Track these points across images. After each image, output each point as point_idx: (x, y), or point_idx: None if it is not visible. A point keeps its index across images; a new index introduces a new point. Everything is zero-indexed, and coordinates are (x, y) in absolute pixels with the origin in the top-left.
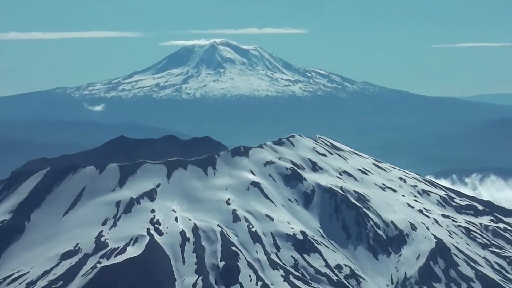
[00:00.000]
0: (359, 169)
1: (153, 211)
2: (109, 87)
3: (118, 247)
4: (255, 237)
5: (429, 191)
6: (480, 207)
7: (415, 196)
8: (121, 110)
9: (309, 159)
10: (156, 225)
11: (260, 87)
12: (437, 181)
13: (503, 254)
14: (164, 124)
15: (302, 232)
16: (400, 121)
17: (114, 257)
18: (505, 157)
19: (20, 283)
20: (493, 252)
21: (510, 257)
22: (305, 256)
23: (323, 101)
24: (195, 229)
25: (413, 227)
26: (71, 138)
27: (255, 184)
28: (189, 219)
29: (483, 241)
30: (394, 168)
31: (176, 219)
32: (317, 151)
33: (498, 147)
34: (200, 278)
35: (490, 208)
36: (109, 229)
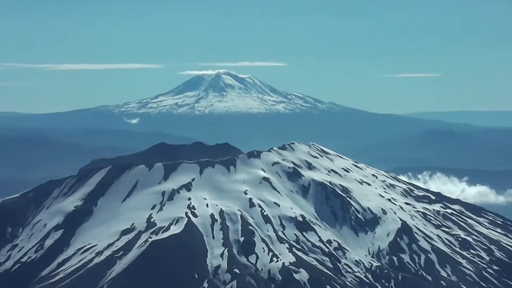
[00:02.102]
0: (342, 168)
1: (189, 199)
2: (140, 105)
3: (164, 226)
4: (266, 219)
5: (395, 185)
6: (432, 197)
7: (384, 188)
8: (150, 123)
9: (305, 160)
10: (192, 210)
11: (253, 106)
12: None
13: (451, 233)
14: (182, 133)
15: (301, 215)
16: (357, 132)
17: (161, 233)
18: (442, 159)
19: (90, 253)
20: (443, 231)
21: (456, 235)
22: (304, 233)
23: (300, 117)
24: (221, 212)
25: (384, 212)
26: (113, 143)
27: (265, 179)
28: (217, 205)
29: (436, 222)
30: (368, 167)
31: (207, 205)
32: (311, 154)
33: (433, 152)
34: (226, 249)
35: (440, 197)
36: (157, 212)
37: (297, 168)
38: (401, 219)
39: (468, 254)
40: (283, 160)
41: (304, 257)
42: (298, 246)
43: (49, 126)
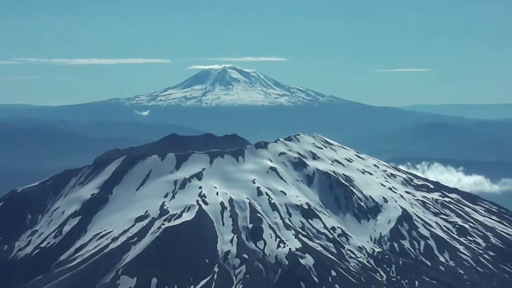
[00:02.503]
0: (345, 158)
1: (200, 187)
2: (150, 98)
3: (176, 213)
4: (274, 207)
5: (395, 174)
6: (431, 186)
7: (385, 178)
8: (159, 115)
9: (310, 151)
10: (203, 198)
11: (257, 99)
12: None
13: (449, 220)
14: (190, 124)
15: (307, 203)
16: (356, 123)
17: (174, 220)
18: (438, 150)
19: (106, 238)
20: (442, 218)
21: (454, 222)
22: (309, 220)
23: (302, 110)
24: (230, 200)
25: (385, 200)
26: (125, 135)
27: (272, 168)
28: (226, 194)
29: (434, 210)
30: (370, 157)
31: (217, 193)
32: (315, 145)
33: (428, 143)
34: (235, 235)
35: (438, 187)
36: (169, 200)
37: (302, 158)
38: (401, 207)
39: (465, 240)
40: (289, 150)
41: (310, 243)
42: (304, 233)
43: (61, 119)
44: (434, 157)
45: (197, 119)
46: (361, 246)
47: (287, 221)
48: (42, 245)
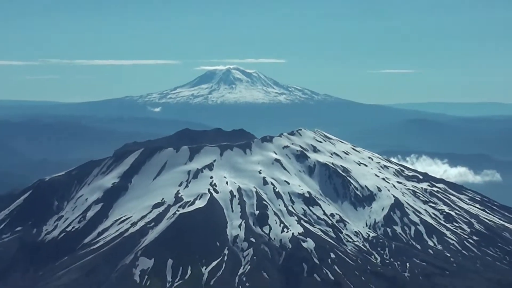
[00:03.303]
0: (343, 151)
1: (211, 177)
2: (161, 96)
3: (190, 201)
4: (278, 195)
5: (388, 166)
6: (420, 177)
7: (379, 169)
8: (170, 111)
9: (311, 144)
10: (214, 187)
11: (258, 97)
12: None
13: (437, 208)
14: (197, 120)
15: (308, 192)
16: (347, 119)
17: (187, 207)
18: (423, 144)
19: (126, 224)
20: (430, 206)
21: (441, 210)
22: (310, 207)
23: (298, 107)
24: (239, 189)
25: (379, 189)
26: (139, 129)
27: (277, 160)
28: (235, 183)
29: (424, 198)
30: (365, 150)
31: (227, 183)
32: (316, 139)
33: (414, 138)
34: (243, 221)
35: (426, 177)
36: (183, 189)
37: (304, 151)
38: (393, 196)
39: (452, 226)
40: (292, 144)
41: (311, 228)
42: (305, 219)
43: (82, 114)
44: (421, 150)
45: (204, 115)
46: (357, 231)
47: (290, 208)
48: (68, 229)
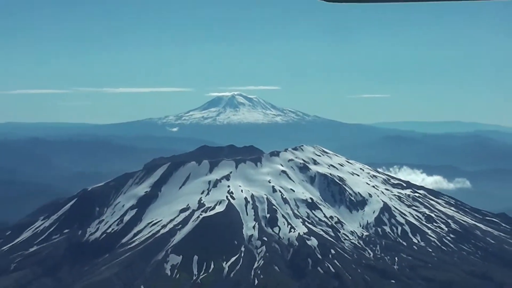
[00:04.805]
0: (338, 163)
1: (228, 186)
2: (177, 117)
3: (211, 206)
4: (285, 201)
5: (376, 175)
6: (404, 184)
7: (369, 178)
8: (185, 130)
9: (312, 158)
10: (231, 194)
11: (259, 118)
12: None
13: (419, 210)
14: (208, 138)
15: (311, 198)
16: (334, 137)
17: (209, 211)
18: (400, 157)
19: (157, 226)
20: (413, 209)
21: (423, 212)
22: (313, 211)
23: (292, 126)
24: (252, 196)
25: (370, 195)
26: (160, 146)
27: (283, 171)
28: (248, 191)
29: (407, 203)
30: (357, 163)
31: (242, 191)
32: (316, 154)
33: (392, 151)
34: (257, 223)
35: (409, 185)
36: (205, 196)
37: (306, 163)
38: (382, 201)
39: (432, 226)
40: (296, 158)
41: (314, 228)
42: (309, 221)
43: (110, 134)
44: (398, 162)
45: (213, 133)
46: (352, 230)
47: (296, 211)
48: (108, 231)
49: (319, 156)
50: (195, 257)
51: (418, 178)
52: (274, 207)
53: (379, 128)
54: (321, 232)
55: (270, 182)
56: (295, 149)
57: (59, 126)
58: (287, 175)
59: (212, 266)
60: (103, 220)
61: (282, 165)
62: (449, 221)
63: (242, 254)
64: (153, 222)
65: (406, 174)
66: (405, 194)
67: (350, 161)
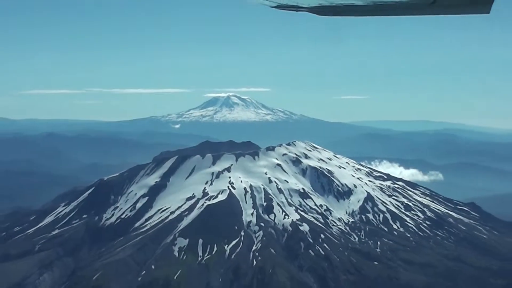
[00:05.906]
0: (327, 157)
1: (229, 177)
2: (178, 115)
3: (214, 195)
4: (280, 191)
5: (360, 168)
6: (385, 176)
7: (354, 171)
8: (186, 127)
9: (303, 152)
10: (232, 184)
11: (251, 117)
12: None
13: (398, 200)
14: (206, 134)
15: (302, 189)
16: (318, 134)
17: (212, 200)
18: (379, 152)
19: (166, 212)
20: (393, 199)
21: (402, 201)
22: (305, 200)
23: (281, 124)
24: (250, 186)
25: (355, 186)
26: (164, 141)
27: (278, 164)
28: (247, 181)
29: (388, 193)
30: (343, 157)
31: (241, 181)
32: (307, 148)
33: (371, 147)
34: (255, 210)
35: (389, 177)
36: (209, 186)
37: (298, 157)
38: (366, 191)
39: (410, 214)
40: (289, 152)
41: (305, 215)
42: (301, 209)
43: (119, 130)
44: (378, 156)
45: (211, 130)
46: (340, 217)
47: (289, 200)
48: (122, 217)
49: (310, 151)
50: (200, 240)
51: (396, 171)
52: (270, 196)
53: (359, 126)
54: (312, 219)
55: (266, 174)
56: (289, 144)
57: (73, 123)
58: (282, 167)
59: (215, 248)
60: (118, 207)
61: (277, 159)
62: (425, 209)
63: (242, 238)
64: (162, 209)
65: (386, 168)
66: (386, 185)
67: (337, 155)
